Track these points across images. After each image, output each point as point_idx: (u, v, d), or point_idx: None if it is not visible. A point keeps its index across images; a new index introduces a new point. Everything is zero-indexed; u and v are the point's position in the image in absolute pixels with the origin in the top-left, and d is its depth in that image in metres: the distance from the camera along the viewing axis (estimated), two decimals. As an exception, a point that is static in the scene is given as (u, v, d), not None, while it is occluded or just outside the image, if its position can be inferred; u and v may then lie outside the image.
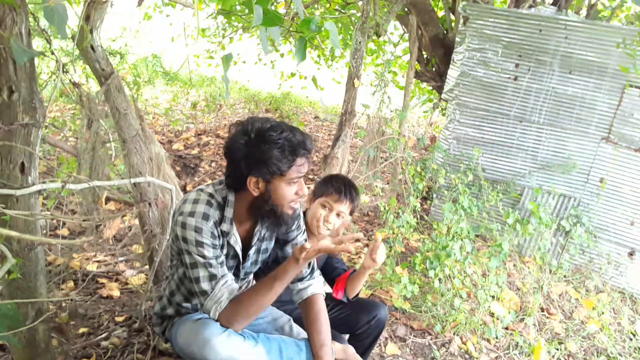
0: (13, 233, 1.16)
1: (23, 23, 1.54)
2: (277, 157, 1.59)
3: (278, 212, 1.69)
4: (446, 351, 2.82)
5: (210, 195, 1.71)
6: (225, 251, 1.75)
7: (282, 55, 8.20)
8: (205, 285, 1.65)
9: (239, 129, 1.64)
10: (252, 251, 1.85)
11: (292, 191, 1.68)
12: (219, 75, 8.92)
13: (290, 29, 5.87)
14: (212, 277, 1.65)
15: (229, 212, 1.71)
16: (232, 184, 1.70)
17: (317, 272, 1.97)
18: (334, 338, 1.95)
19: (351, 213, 2.29)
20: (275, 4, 6.65)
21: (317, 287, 1.93)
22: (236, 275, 1.84)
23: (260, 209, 1.70)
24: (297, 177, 1.66)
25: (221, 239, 1.72)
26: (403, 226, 3.50)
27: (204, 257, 1.64)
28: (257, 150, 1.59)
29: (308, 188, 2.29)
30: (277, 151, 1.58)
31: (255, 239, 1.83)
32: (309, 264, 1.93)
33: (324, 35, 8.03)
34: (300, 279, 1.92)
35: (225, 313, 1.64)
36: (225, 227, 1.71)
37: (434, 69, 5.60)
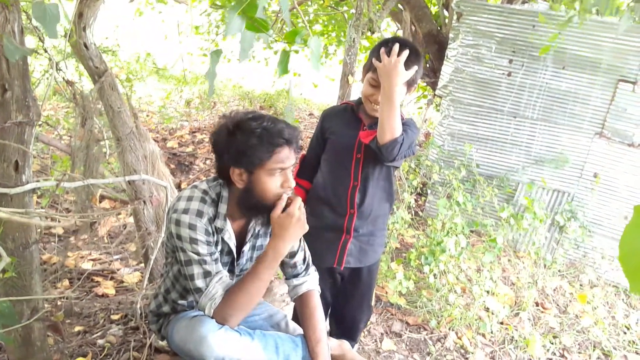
0: (4, 215, 1.16)
1: (16, 21, 1.54)
2: (255, 146, 1.59)
3: (262, 204, 1.68)
4: (442, 346, 2.83)
5: (204, 192, 1.71)
6: (219, 248, 1.75)
7: (275, 52, 8.18)
8: (199, 282, 1.66)
9: (222, 122, 1.66)
10: (246, 248, 1.85)
11: (276, 183, 1.66)
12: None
13: (280, 33, 5.85)
14: (207, 274, 1.66)
15: (222, 208, 1.71)
16: (219, 176, 1.72)
17: (312, 268, 1.97)
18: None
19: (412, 82, 2.00)
20: (269, 2, 6.62)
21: (312, 283, 1.93)
22: (231, 272, 1.84)
23: (246, 202, 1.70)
24: (278, 168, 1.64)
25: (215, 236, 1.72)
26: (398, 222, 3.51)
27: (198, 254, 1.65)
28: (236, 140, 1.61)
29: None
30: (255, 140, 1.59)
31: (249, 235, 1.83)
32: (304, 260, 1.93)
33: (317, 34, 8.03)
34: (295, 275, 1.92)
35: (220, 309, 1.65)
36: (219, 223, 1.71)
37: (427, 65, 5.60)
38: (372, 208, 2.14)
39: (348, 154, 2.10)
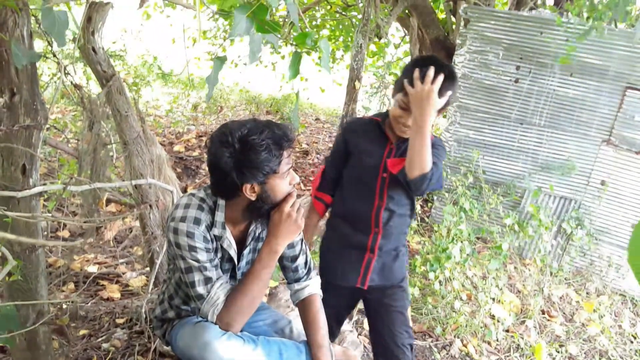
0: (11, 236, 1.16)
1: (25, 26, 1.55)
2: (267, 158, 1.58)
3: (274, 207, 1.71)
4: (447, 354, 2.81)
5: (202, 199, 1.70)
6: (219, 255, 1.75)
7: (283, 57, 8.20)
8: (200, 289, 1.65)
9: (217, 141, 1.61)
10: (246, 251, 1.84)
11: (286, 183, 1.68)
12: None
13: (288, 37, 5.87)
14: (208, 281, 1.65)
15: (219, 217, 1.70)
16: (225, 195, 1.69)
17: (314, 272, 1.96)
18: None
19: (445, 106, 1.88)
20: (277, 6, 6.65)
21: (314, 287, 1.92)
22: (233, 277, 1.84)
23: (259, 210, 1.70)
24: (287, 169, 1.66)
25: (214, 243, 1.72)
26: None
27: (197, 261, 1.64)
28: (245, 158, 1.57)
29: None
30: (265, 153, 1.57)
31: (249, 239, 1.83)
32: (306, 264, 1.93)
33: (325, 38, 8.04)
34: (297, 280, 1.92)
35: (222, 314, 1.64)
36: (216, 231, 1.70)
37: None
38: (397, 225, 2.06)
39: (374, 173, 2.01)
